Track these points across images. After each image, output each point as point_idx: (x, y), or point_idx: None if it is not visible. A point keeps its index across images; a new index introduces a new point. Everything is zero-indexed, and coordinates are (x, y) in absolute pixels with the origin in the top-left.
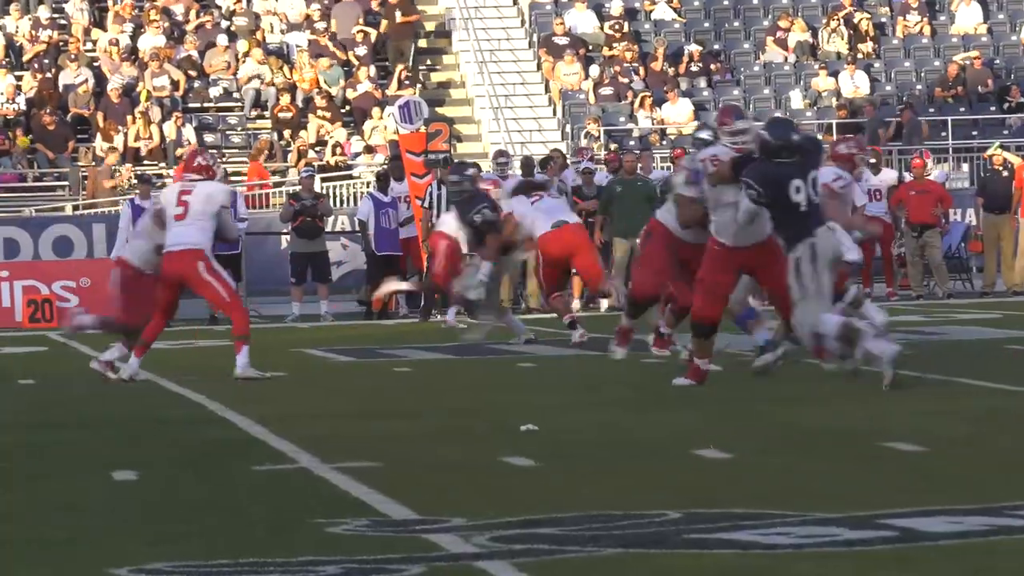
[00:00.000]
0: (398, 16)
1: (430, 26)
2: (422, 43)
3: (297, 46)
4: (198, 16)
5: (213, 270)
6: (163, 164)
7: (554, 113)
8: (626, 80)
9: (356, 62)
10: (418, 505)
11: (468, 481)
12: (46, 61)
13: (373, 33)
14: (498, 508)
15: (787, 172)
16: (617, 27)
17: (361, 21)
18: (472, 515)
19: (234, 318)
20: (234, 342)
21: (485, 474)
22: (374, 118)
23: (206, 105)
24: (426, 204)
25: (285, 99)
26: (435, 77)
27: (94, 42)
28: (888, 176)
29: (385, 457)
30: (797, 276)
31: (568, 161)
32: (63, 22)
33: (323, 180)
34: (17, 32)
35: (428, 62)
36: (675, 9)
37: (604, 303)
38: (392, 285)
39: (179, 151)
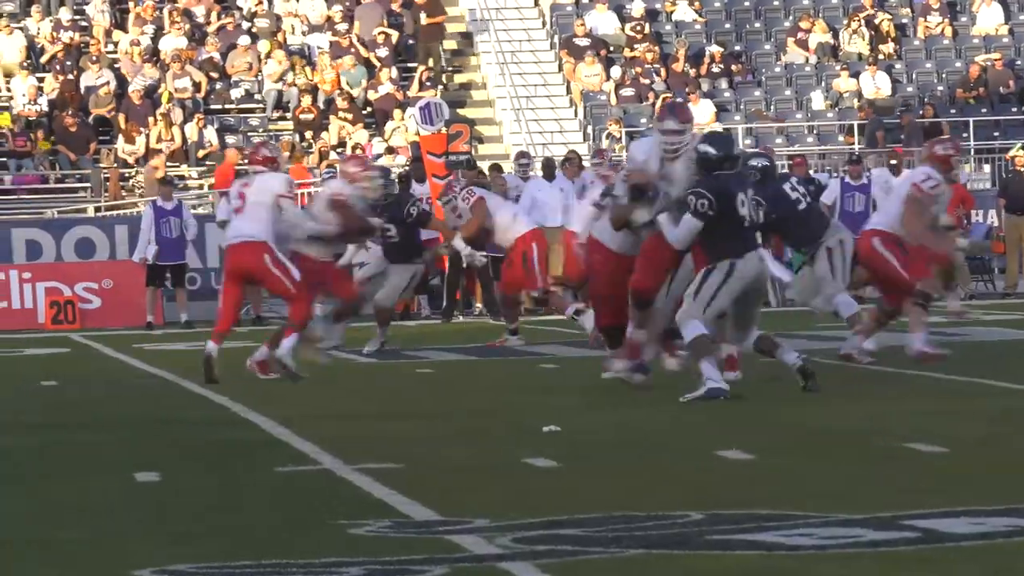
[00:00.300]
0: (423, 18)
1: (452, 28)
2: (447, 44)
3: (318, 47)
4: (219, 18)
5: (278, 262)
6: (184, 166)
7: (575, 114)
8: (647, 81)
9: (378, 63)
10: (441, 506)
11: (490, 482)
12: (68, 63)
13: (395, 35)
14: (521, 509)
15: (734, 185)
16: (638, 28)
17: (384, 22)
18: (495, 516)
19: (296, 307)
20: (285, 327)
21: (507, 475)
22: (395, 119)
23: (227, 107)
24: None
25: (307, 100)
26: (457, 78)
27: (115, 44)
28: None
29: (407, 458)
30: (702, 279)
31: (589, 162)
32: (84, 24)
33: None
34: (39, 34)
35: (451, 64)
36: (696, 10)
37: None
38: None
39: (200, 152)
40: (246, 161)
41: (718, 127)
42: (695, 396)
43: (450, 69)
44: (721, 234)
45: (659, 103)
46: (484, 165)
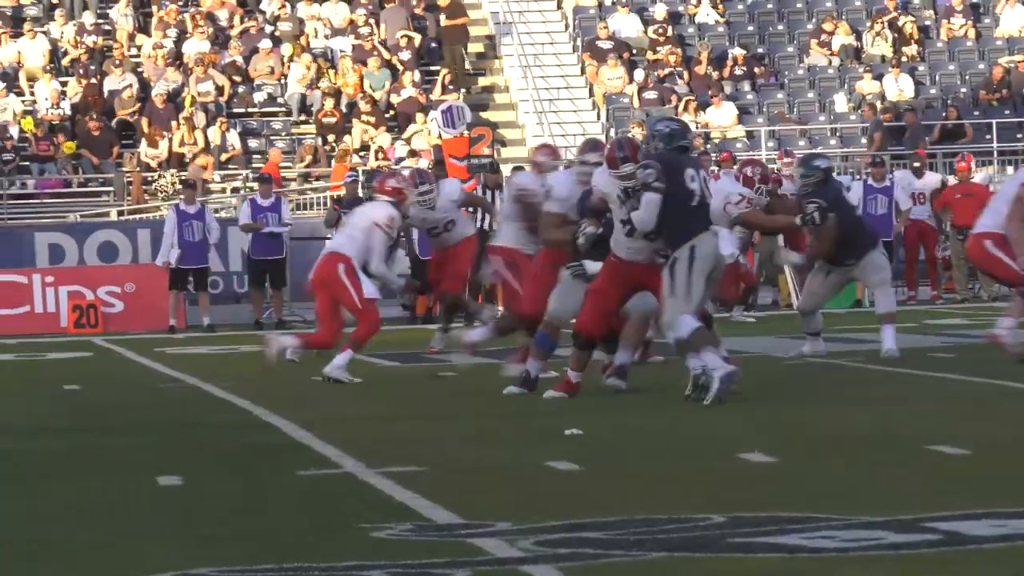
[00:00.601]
0: (443, 20)
1: (475, 31)
2: (470, 47)
3: (341, 51)
4: (243, 21)
5: (353, 274)
6: (207, 170)
7: (598, 117)
8: (670, 84)
9: (401, 67)
10: (463, 509)
11: (512, 485)
12: (91, 67)
13: (418, 38)
14: (542, 512)
15: (685, 161)
16: (660, 31)
17: (408, 26)
18: (517, 519)
19: (361, 323)
20: (345, 342)
21: (529, 478)
22: (418, 123)
23: (250, 110)
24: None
25: (329, 104)
26: (480, 81)
27: (138, 48)
28: (931, 179)
29: (429, 462)
30: (671, 275)
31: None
32: (108, 28)
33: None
34: (62, 38)
35: (475, 67)
36: (719, 12)
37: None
38: None
39: (224, 156)
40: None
41: (740, 130)
42: (714, 393)
43: (474, 72)
44: (674, 216)
45: (683, 104)
46: (506, 168)
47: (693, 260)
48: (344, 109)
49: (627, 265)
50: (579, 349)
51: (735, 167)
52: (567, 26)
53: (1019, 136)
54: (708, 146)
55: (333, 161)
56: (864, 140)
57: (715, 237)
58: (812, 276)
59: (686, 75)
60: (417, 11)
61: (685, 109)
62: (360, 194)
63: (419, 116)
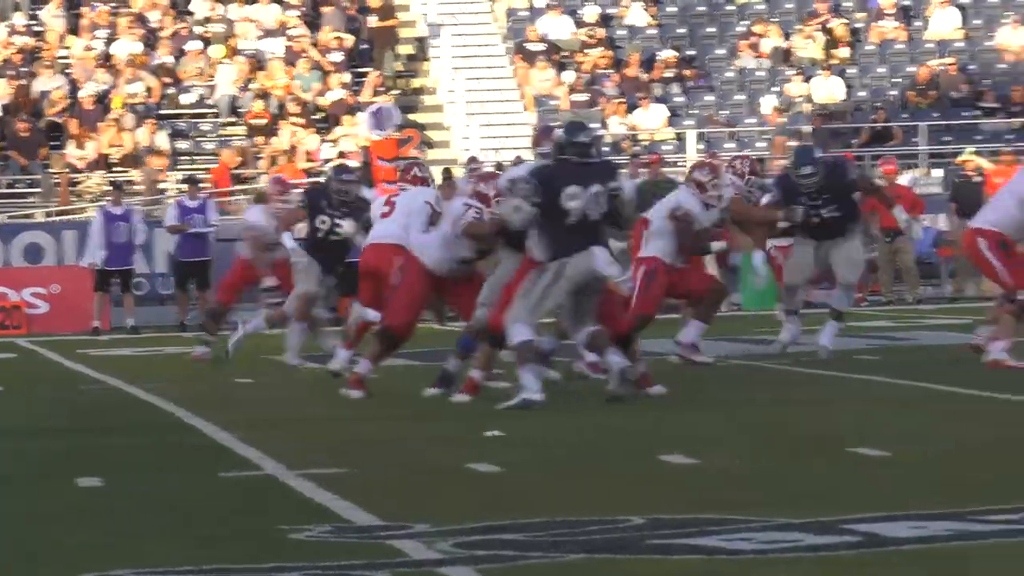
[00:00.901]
0: (375, 21)
1: (408, 33)
2: (400, 49)
3: (271, 52)
4: (173, 23)
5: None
6: (135, 171)
7: (527, 119)
8: (600, 86)
9: (331, 68)
10: (382, 511)
11: (433, 487)
12: (22, 68)
13: (350, 39)
14: (462, 514)
15: (566, 176)
16: (592, 33)
17: (339, 27)
18: (436, 521)
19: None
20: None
21: (450, 480)
22: (346, 124)
23: (179, 112)
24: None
25: (259, 105)
26: (411, 83)
27: (68, 48)
28: None
29: (351, 463)
30: (532, 281)
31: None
32: (38, 29)
33: (294, 187)
34: None
35: (407, 68)
36: (651, 15)
37: None
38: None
39: (152, 160)
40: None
41: (670, 132)
42: (511, 403)
43: (405, 74)
44: (549, 230)
45: (612, 106)
46: (435, 170)
47: (559, 278)
48: (274, 110)
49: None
50: (490, 346)
51: (699, 173)
52: (499, 28)
53: (947, 139)
54: (636, 148)
55: (260, 162)
56: (793, 143)
57: (591, 258)
58: (798, 247)
59: (616, 77)
60: (349, 12)
61: (615, 111)
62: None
63: (348, 118)
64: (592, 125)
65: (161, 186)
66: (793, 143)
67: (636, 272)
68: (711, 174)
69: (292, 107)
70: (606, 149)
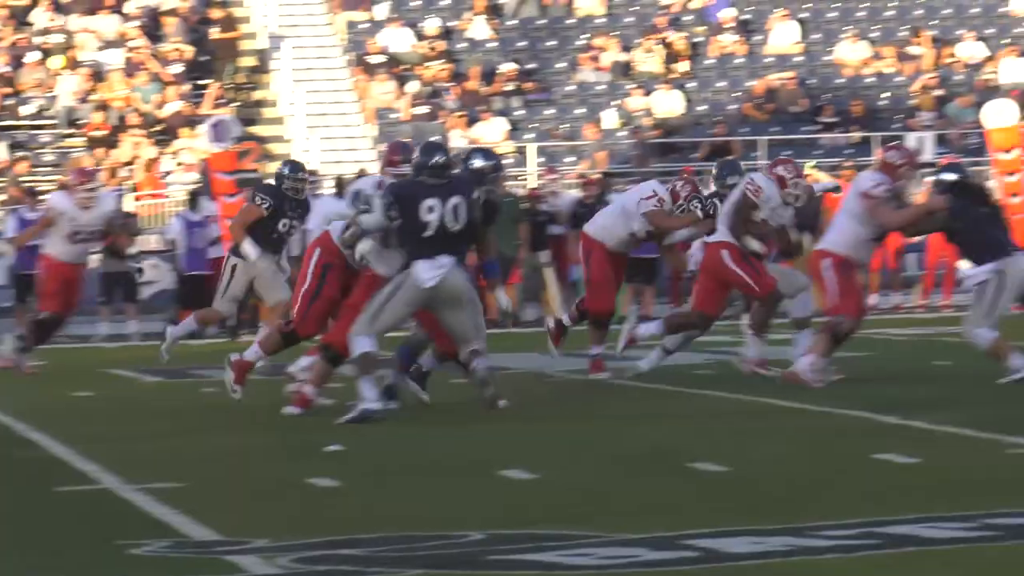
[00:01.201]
0: (217, 33)
1: (249, 45)
2: (242, 61)
3: (110, 64)
4: (13, 33)
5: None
6: None
7: (368, 132)
8: (441, 99)
9: (171, 80)
10: (222, 526)
11: (273, 502)
12: None
13: (191, 51)
14: (302, 529)
15: (424, 191)
16: (433, 46)
17: (178, 39)
18: (276, 536)
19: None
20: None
21: (290, 495)
22: (186, 136)
23: (18, 123)
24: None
25: (98, 117)
26: (252, 95)
27: None
28: None
29: (189, 477)
30: (379, 294)
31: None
32: None
33: (135, 199)
34: None
35: (250, 80)
36: (492, 27)
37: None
38: None
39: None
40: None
41: (510, 146)
42: (349, 416)
43: (247, 86)
44: (406, 243)
45: (450, 120)
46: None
47: (399, 289)
48: (114, 122)
49: (381, 280)
50: (327, 363)
51: (782, 168)
52: (339, 40)
53: (787, 153)
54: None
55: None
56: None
57: (441, 269)
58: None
59: (457, 90)
60: (191, 24)
61: (455, 124)
62: (127, 209)
63: (188, 130)
64: (432, 138)
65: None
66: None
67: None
68: (794, 171)
69: (132, 119)
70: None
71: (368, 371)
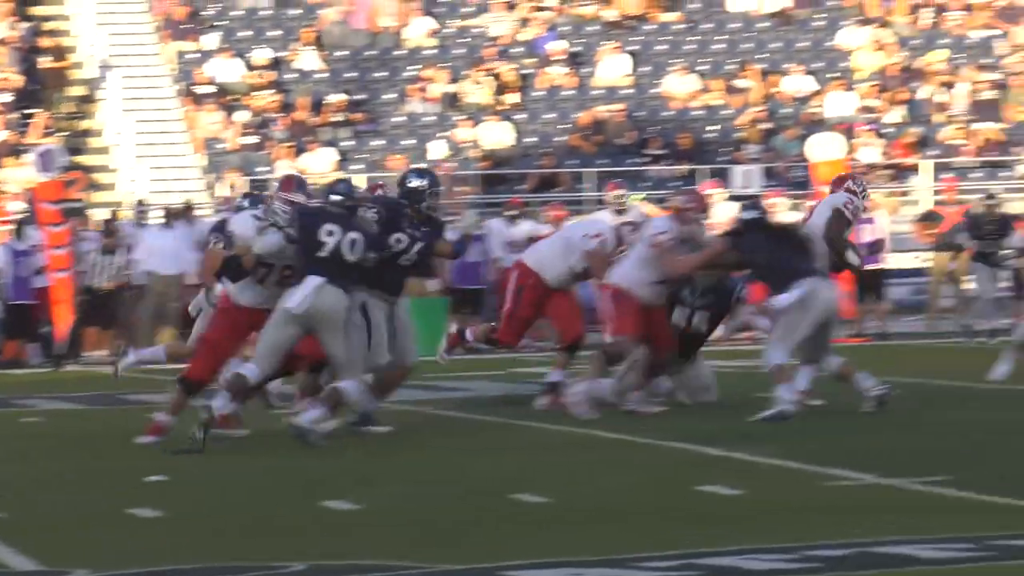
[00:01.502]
0: (48, 62)
1: (75, 74)
2: (70, 90)
3: None
4: None
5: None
6: None
7: (196, 162)
8: (269, 129)
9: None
10: (42, 556)
11: (94, 532)
12: None
13: (19, 79)
14: (123, 559)
15: (325, 216)
16: (262, 76)
17: (7, 67)
18: (96, 566)
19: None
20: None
21: (111, 524)
22: (12, 165)
23: None
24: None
25: None
26: (79, 125)
27: None
28: (526, 228)
29: (9, 507)
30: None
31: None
32: None
33: None
34: None
35: (74, 109)
36: (321, 58)
37: None
38: None
39: None
40: None
41: (338, 176)
42: (193, 440)
43: (76, 115)
44: (304, 264)
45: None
46: (101, 212)
47: (278, 311)
48: None
49: (243, 311)
50: (185, 393)
51: (852, 183)
52: (168, 70)
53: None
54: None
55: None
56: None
57: (318, 293)
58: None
59: (285, 120)
60: (21, 52)
61: (283, 154)
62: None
63: (11, 160)
64: (260, 168)
65: None
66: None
67: None
68: (862, 185)
69: None
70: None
71: (239, 394)
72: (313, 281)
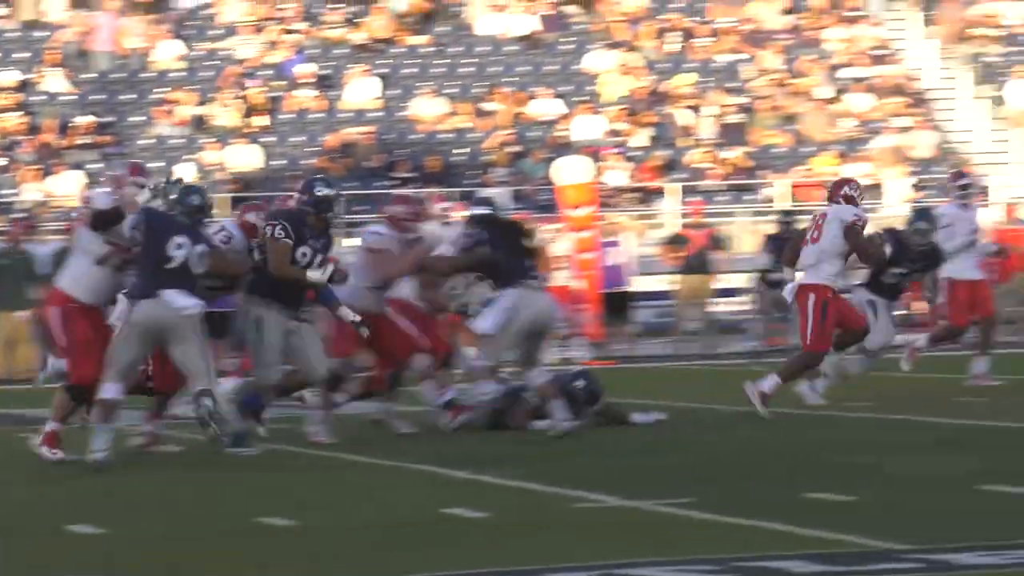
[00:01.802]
0: None
1: None
2: None
3: None
4: None
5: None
6: None
7: None
8: (15, 151)
9: None
10: None
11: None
12: None
13: None
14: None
15: (176, 227)
16: (8, 98)
17: None
18: None
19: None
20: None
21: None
22: None
23: None
24: None
25: None
26: None
27: None
28: None
29: None
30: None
31: None
32: None
33: None
34: None
35: None
36: (69, 80)
37: None
38: None
39: None
40: None
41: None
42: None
43: None
44: (143, 271)
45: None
46: None
47: (127, 323)
48: None
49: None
50: (75, 401)
51: (848, 187)
52: None
53: (362, 208)
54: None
55: None
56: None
57: (160, 306)
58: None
59: (32, 142)
60: None
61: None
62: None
63: None
64: (5, 191)
65: None
66: None
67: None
68: (859, 190)
69: None
70: (19, 215)
71: (103, 418)
72: (168, 295)
